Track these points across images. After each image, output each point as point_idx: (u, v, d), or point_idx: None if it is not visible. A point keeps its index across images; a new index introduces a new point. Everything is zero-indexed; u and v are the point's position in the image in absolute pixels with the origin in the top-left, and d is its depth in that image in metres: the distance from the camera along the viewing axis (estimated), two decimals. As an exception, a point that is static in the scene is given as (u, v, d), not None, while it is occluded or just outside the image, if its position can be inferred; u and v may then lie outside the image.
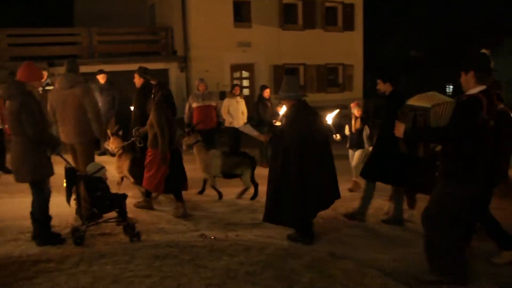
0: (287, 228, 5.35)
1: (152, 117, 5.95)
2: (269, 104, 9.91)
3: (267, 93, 9.99)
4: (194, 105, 9.41)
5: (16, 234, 5.24)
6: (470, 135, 3.75)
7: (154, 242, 5.08)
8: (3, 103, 7.36)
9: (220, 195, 7.11)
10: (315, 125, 5.21)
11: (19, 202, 6.24)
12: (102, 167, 5.41)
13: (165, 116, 5.95)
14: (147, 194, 6.45)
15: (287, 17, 16.76)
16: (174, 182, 6.09)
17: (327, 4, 17.42)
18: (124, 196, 5.41)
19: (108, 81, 10.48)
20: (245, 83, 16.21)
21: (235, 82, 14.97)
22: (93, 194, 5.17)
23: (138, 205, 6.43)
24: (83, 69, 13.34)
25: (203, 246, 4.98)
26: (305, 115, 5.18)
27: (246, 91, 15.76)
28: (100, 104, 10.54)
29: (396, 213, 6.02)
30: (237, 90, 9.93)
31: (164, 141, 5.85)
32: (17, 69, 5.01)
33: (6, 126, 7.46)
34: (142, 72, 7.15)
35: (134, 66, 14.43)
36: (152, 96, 6.08)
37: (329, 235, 5.54)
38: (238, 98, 9.85)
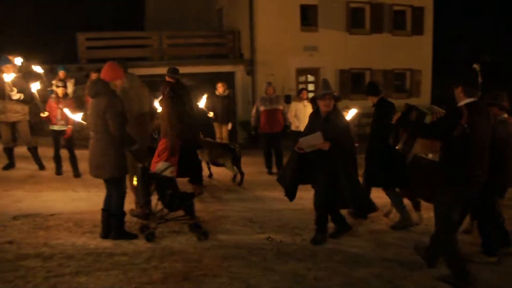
0: (355, 235, 5.29)
1: (162, 111, 6.42)
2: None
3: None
4: (262, 108, 9.47)
5: (92, 227, 5.48)
6: (444, 138, 4.23)
7: (222, 243, 5.15)
8: (72, 103, 7.77)
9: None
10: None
11: (94, 196, 6.53)
12: (170, 166, 5.56)
13: (176, 110, 6.28)
14: None
15: (354, 21, 16.52)
16: (187, 167, 6.43)
17: (396, 8, 16.98)
18: (192, 195, 5.53)
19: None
20: (310, 87, 16.12)
21: (301, 86, 14.93)
22: (163, 193, 5.34)
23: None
24: (153, 71, 14.02)
25: (270, 249, 4.99)
26: None
27: (311, 95, 15.64)
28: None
29: (402, 218, 5.95)
30: (304, 94, 9.97)
31: (173, 133, 6.21)
32: (92, 71, 5.26)
33: (70, 127, 7.85)
34: (172, 72, 7.25)
35: (201, 69, 15.02)
36: (162, 92, 6.49)
37: (400, 244, 5.38)
38: (305, 102, 9.86)
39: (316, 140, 5.09)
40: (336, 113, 5.25)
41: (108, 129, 4.89)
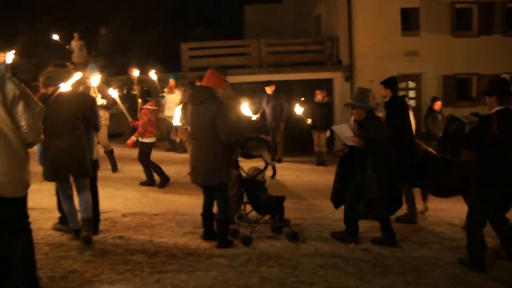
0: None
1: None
2: (439, 117, 9.30)
3: (438, 105, 9.42)
4: (362, 115, 9.27)
5: (193, 228, 5.72)
6: (480, 145, 4.64)
7: (318, 251, 5.11)
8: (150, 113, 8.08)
9: None
10: None
11: (196, 199, 6.80)
12: (262, 170, 5.64)
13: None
14: None
15: (459, 23, 15.52)
16: None
17: (509, 5, 15.66)
18: (283, 198, 5.57)
19: (276, 90, 10.96)
20: (412, 94, 15.48)
21: (402, 93, 14.38)
22: (257, 197, 5.44)
23: None
24: (253, 78, 14.37)
25: (367, 260, 4.86)
26: None
27: (412, 103, 15.03)
28: (267, 112, 11.16)
29: (409, 212, 6.44)
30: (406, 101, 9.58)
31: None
32: (197, 79, 5.41)
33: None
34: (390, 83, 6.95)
35: (300, 76, 15.10)
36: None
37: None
38: (407, 110, 9.47)
39: (345, 130, 5.55)
40: (368, 121, 5.42)
41: (216, 136, 4.96)
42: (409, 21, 15.30)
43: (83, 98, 5.10)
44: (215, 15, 23.33)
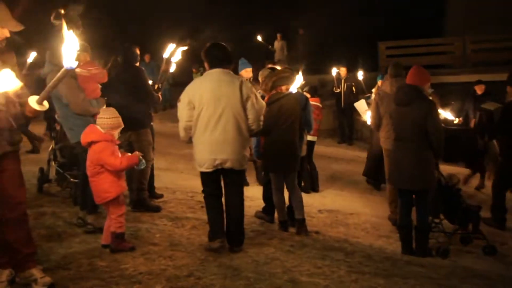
0: None
1: None
2: None
3: None
4: None
5: (388, 232, 5.63)
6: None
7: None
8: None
9: None
10: None
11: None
12: (459, 178, 5.43)
13: None
14: None
15: None
16: None
17: None
18: (479, 208, 5.08)
19: (485, 91, 10.07)
20: None
21: None
22: (453, 205, 5.09)
23: None
24: (454, 78, 13.34)
25: None
26: None
27: None
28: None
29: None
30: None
31: None
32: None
33: None
34: None
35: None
36: None
37: None
38: None
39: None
40: None
41: (425, 138, 4.79)
42: None
43: (299, 98, 5.46)
44: (413, 11, 22.24)
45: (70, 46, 2.40)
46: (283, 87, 5.15)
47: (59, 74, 2.61)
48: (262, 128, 4.53)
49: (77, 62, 2.50)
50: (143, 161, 4.26)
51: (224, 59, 4.36)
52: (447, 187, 5.24)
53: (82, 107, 4.59)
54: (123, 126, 4.25)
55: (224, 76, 4.31)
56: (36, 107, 2.77)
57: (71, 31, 2.54)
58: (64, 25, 2.81)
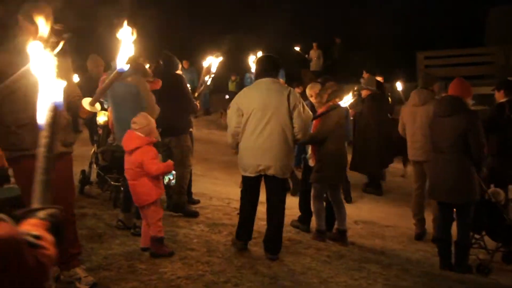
0: None
1: None
2: None
3: None
4: None
5: (426, 246, 5.51)
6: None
7: None
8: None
9: None
10: None
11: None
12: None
13: None
14: None
15: None
16: None
17: None
18: None
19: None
20: None
21: None
22: (496, 222, 4.99)
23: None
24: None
25: None
26: None
27: None
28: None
29: None
30: None
31: None
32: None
33: None
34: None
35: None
36: None
37: None
38: None
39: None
40: None
41: (466, 150, 4.71)
42: None
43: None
44: (455, 22, 21.81)
45: (124, 50, 2.44)
46: (337, 99, 5.39)
47: (111, 76, 2.68)
48: (315, 137, 4.86)
49: (128, 65, 2.52)
50: (173, 172, 4.40)
51: (273, 69, 4.57)
52: (490, 202, 5.10)
53: (157, 111, 4.81)
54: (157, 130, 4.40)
55: (273, 85, 4.49)
56: (89, 108, 2.86)
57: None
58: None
